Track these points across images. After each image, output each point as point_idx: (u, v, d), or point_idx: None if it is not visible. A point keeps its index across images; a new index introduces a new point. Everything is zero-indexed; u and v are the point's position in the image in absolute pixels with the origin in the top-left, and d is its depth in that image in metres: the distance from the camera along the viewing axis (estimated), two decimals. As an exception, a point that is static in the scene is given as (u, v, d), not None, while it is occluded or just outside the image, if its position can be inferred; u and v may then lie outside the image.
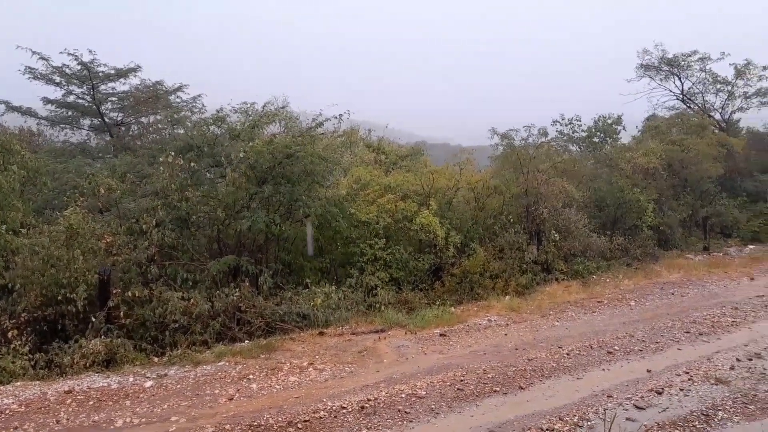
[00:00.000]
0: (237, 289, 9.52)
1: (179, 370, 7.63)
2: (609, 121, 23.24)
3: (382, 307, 10.57)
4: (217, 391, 6.88)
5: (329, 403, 6.38)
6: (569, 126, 23.14)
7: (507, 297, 11.63)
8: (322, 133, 13.44)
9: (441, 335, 9.24)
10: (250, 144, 11.10)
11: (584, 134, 23.28)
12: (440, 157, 19.24)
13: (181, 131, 15.18)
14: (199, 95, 17.47)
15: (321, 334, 9.18)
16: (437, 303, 11.19)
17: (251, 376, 7.37)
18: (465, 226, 13.79)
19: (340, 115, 12.56)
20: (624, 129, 23.48)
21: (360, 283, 11.36)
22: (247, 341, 8.90)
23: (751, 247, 17.97)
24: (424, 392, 6.71)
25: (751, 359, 7.74)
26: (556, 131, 22.89)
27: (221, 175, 11.59)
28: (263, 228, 10.40)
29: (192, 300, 8.99)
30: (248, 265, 10.21)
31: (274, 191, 10.80)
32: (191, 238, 10.70)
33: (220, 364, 7.83)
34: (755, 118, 25.21)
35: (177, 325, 8.67)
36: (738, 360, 7.70)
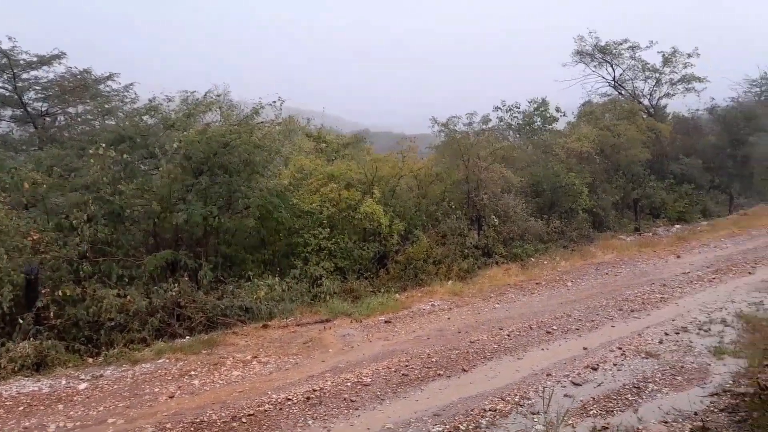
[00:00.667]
0: (176, 284, 9.23)
1: (116, 369, 7.35)
2: (535, 105, 23.71)
3: (328, 297, 10.53)
4: (157, 390, 6.67)
5: (274, 396, 6.31)
6: (509, 112, 23.59)
7: (450, 282, 11.81)
8: (261, 122, 13.16)
9: (386, 322, 9.31)
10: (185, 134, 10.75)
11: (522, 121, 23.76)
12: (383, 145, 19.31)
13: (113, 122, 14.52)
14: (131, 84, 16.72)
15: (265, 326, 9.05)
16: (382, 290, 11.25)
17: (193, 373, 7.19)
18: (408, 213, 13.91)
19: (274, 102, 12.32)
20: (564, 114, 24.05)
21: (304, 274, 11.25)
22: (188, 337, 8.66)
23: (678, 226, 18.93)
24: (370, 379, 6.75)
25: (678, 333, 8.18)
26: (497, 117, 23.30)
27: (156, 166, 11.18)
28: (201, 221, 10.11)
29: (128, 297, 8.65)
30: (187, 259, 9.93)
31: (211, 182, 10.52)
32: (126, 232, 10.28)
33: (159, 361, 7.60)
34: (681, 104, 26.52)
35: (113, 324, 8.32)
36: (666, 334, 8.13)
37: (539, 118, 23.63)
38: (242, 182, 10.93)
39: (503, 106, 23.50)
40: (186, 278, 9.57)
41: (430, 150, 17.05)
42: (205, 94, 15.21)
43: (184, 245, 10.59)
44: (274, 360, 7.62)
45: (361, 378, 6.79)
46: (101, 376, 7.12)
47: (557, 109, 23.94)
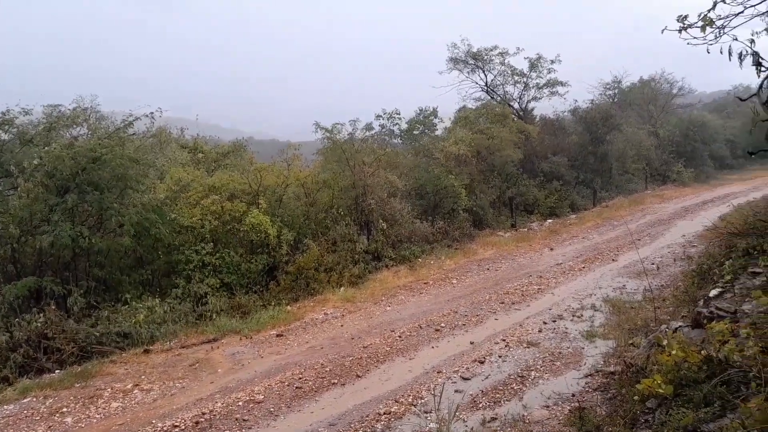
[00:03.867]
0: (41, 314, 8.43)
1: (-28, 416, 6.55)
2: (427, 113, 24.55)
3: (214, 315, 10.07)
4: (22, 434, 6.03)
5: (159, 424, 5.95)
6: (390, 119, 24.07)
7: (342, 288, 11.82)
8: (133, 134, 12.37)
9: (278, 336, 9.11)
10: (46, 149, 9.85)
11: (405, 127, 24.37)
12: (269, 153, 18.86)
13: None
14: (-26, 96, 15.00)
15: (146, 352, 8.49)
16: (273, 303, 10.98)
17: (65, 409, 6.58)
18: (297, 222, 13.72)
19: (152, 113, 11.61)
20: (441, 120, 24.92)
21: (188, 293, 10.69)
22: (58, 371, 7.91)
23: (550, 221, 20.32)
24: (262, 396, 6.57)
25: (555, 321, 8.78)
26: (379, 125, 23.70)
27: (12, 186, 10.15)
28: (69, 242, 9.31)
29: (-16, 333, 7.77)
30: (53, 286, 9.11)
31: (79, 200, 9.71)
32: (-23, 261, 9.24)
33: (25, 401, 6.88)
34: (547, 106, 28.58)
35: (-34, 365, 7.44)
36: (545, 323, 8.69)
37: (421, 125, 24.33)
38: (114, 199, 10.21)
39: (384, 114, 23.93)
40: (53, 306, 8.74)
41: (317, 157, 16.97)
42: (75, 109, 13.92)
43: (49, 270, 9.72)
44: (158, 386, 7.18)
45: (253, 396, 6.59)
46: (-47, 425, 6.31)
47: (440, 119, 24.79)
